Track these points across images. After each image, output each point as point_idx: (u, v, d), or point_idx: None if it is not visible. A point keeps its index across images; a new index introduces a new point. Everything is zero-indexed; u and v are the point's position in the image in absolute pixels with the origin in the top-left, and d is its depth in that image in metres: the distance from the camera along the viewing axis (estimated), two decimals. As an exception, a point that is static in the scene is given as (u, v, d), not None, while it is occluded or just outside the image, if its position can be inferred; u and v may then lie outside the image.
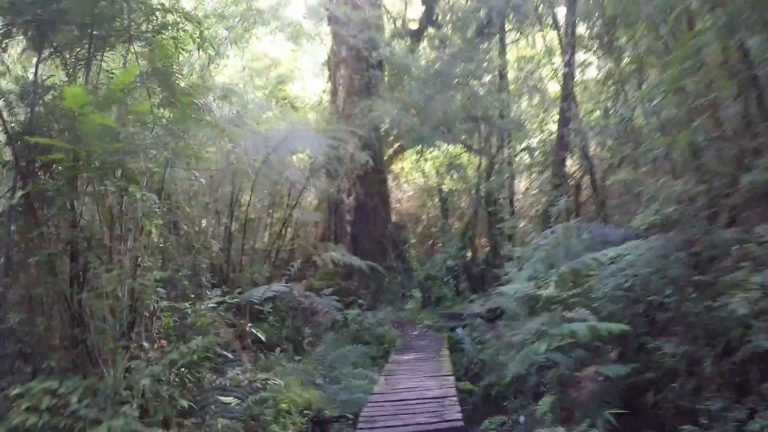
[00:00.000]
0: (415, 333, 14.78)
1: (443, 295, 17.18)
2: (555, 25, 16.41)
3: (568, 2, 13.76)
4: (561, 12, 16.30)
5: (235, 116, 12.11)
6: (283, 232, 15.34)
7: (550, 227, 12.83)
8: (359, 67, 19.55)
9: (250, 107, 15.64)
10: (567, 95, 13.50)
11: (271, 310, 12.62)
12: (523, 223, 19.09)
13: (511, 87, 20.26)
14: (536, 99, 19.94)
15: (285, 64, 22.76)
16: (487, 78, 19.81)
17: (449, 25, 21.30)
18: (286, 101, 21.18)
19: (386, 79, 20.82)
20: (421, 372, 9.85)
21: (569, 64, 13.60)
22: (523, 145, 20.36)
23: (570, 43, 13.61)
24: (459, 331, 12.65)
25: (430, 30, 22.44)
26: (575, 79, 14.63)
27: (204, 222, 12.86)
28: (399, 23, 23.59)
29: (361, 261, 14.34)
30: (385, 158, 21.24)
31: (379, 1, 21.21)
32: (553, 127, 18.19)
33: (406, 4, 24.24)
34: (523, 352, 7.69)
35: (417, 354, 11.64)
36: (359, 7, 19.42)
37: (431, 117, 18.22)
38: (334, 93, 19.95)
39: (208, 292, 8.78)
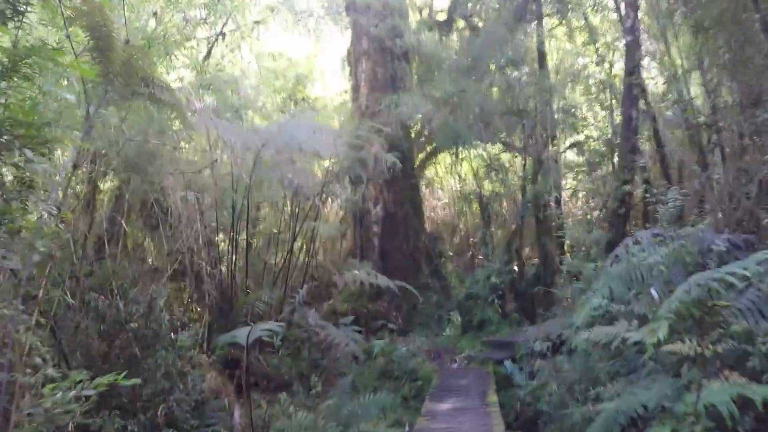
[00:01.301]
0: (454, 366, 12.43)
1: (487, 317, 14.67)
2: None
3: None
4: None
5: (223, 107, 10.07)
6: (298, 248, 13.24)
7: (619, 233, 10.47)
8: (383, 59, 17.46)
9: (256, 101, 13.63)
10: (633, 69, 11.01)
11: (281, 340, 10.53)
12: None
13: (554, 77, 17.87)
14: (583, 87, 17.43)
15: (304, 64, 20.73)
16: (525, 68, 17.43)
17: (481, 13, 19.14)
18: (305, 102, 19.16)
19: (414, 71, 18.64)
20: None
21: (633, 30, 11.10)
22: (572, 140, 17.85)
23: (632, 4, 11.17)
24: (508, 365, 10.28)
25: (460, 22, 20.25)
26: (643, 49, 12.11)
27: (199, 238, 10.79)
28: (425, 13, 21.39)
29: (389, 281, 12.05)
30: (417, 163, 18.99)
31: (403, -15, 19.04)
32: (610, 116, 15.76)
33: (432, -7, 22.04)
34: (609, 413, 5.33)
35: (457, 400, 9.28)
36: (381, -8, 17.30)
37: (466, 112, 15.95)
38: (356, 89, 17.84)
39: (174, 335, 6.63)
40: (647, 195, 9.42)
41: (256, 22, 16.91)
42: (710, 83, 10.52)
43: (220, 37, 14.80)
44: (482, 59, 16.09)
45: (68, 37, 5.68)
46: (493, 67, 16.56)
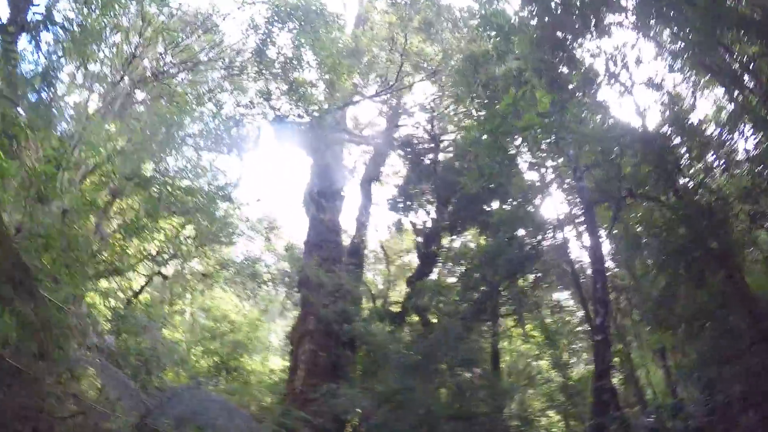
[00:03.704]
0: None
1: None
2: (576, 285, 13.75)
3: (593, 255, 11.33)
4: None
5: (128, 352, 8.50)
6: None
7: None
8: (327, 344, 16.35)
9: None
10: (603, 371, 10.00)
11: None
12: None
13: (507, 379, 16.94)
14: (539, 391, 16.43)
15: (245, 331, 19.45)
16: (478, 369, 16.45)
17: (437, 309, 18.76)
18: (238, 372, 17.43)
19: (359, 362, 17.38)
20: None
21: (602, 328, 10.38)
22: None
23: (602, 300, 10.62)
24: None
25: (414, 316, 19.76)
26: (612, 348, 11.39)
27: None
28: (380, 303, 20.93)
29: None
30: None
31: (359, 272, 18.87)
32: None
33: (389, 284, 22.00)
34: None
35: None
36: (335, 274, 16.89)
37: (410, 413, 14.34)
38: (293, 371, 16.34)
39: None
40: None
41: (204, 275, 16.07)
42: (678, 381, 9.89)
43: (161, 278, 13.82)
44: (433, 357, 15.12)
45: None
46: (444, 366, 15.51)
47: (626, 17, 10.52)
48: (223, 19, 14.72)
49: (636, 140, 10.77)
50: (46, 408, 6.58)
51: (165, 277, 14.60)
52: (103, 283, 11.76)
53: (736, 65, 9.65)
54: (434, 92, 22.10)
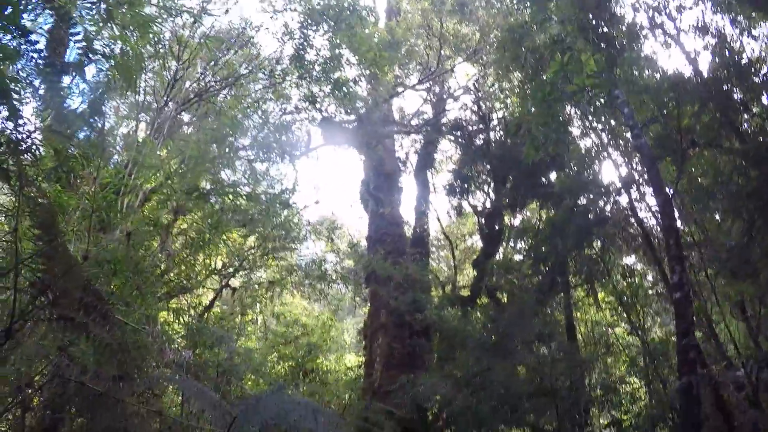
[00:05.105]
0: None
1: None
2: (647, 245, 13.25)
3: (662, 211, 10.83)
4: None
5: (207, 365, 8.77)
6: None
7: None
8: (401, 335, 16.39)
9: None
10: (687, 328, 9.47)
11: None
12: None
13: (585, 350, 16.58)
14: (617, 358, 16.00)
15: (317, 332, 19.75)
16: (554, 343, 16.20)
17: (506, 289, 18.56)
18: (315, 374, 17.75)
19: (434, 349, 17.40)
20: None
21: (681, 285, 9.81)
22: (608, 419, 15.75)
23: (677, 257, 10.10)
24: None
25: (485, 298, 19.63)
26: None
27: None
28: (448, 289, 20.90)
29: None
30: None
31: (425, 260, 18.87)
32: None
33: (455, 268, 21.90)
34: None
35: None
36: (401, 266, 16.94)
37: (490, 394, 14.23)
38: (369, 365, 16.50)
39: None
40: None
41: (271, 282, 16.42)
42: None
43: (228, 290, 14.23)
44: (509, 335, 14.96)
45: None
46: (520, 343, 15.33)
47: (663, -38, 10.07)
48: (257, 32, 14.96)
49: (691, 88, 10.28)
50: (132, 428, 6.85)
51: (234, 289, 15.02)
52: (174, 302, 12.18)
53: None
54: (476, 72, 21.90)
